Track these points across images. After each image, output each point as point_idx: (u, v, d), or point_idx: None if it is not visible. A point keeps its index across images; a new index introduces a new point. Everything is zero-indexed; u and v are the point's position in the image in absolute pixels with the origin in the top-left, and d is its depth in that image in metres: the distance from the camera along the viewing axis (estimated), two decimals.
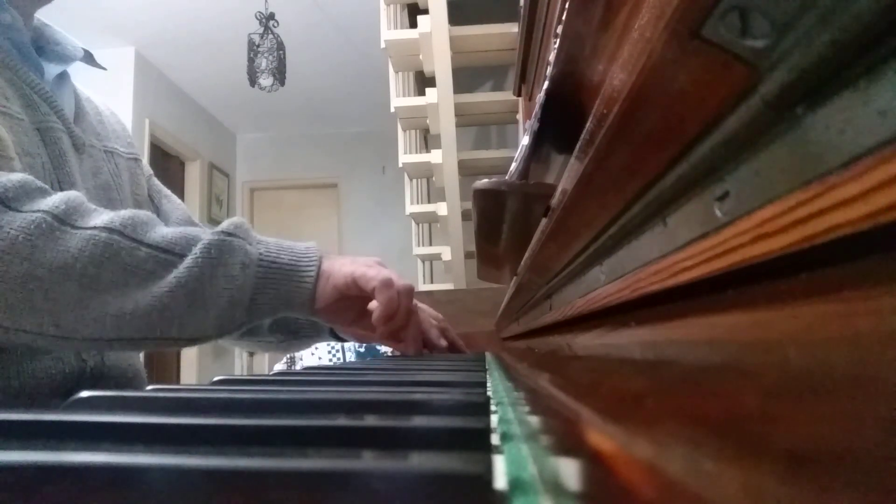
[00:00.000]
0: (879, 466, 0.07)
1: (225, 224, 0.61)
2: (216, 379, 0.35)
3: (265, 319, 0.63)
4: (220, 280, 0.57)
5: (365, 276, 0.65)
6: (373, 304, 0.69)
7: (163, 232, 0.58)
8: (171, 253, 0.57)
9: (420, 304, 0.80)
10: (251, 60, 3.03)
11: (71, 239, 0.53)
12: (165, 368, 4.12)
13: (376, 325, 0.68)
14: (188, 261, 0.57)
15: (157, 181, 0.89)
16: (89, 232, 0.54)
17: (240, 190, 5.17)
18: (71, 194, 0.56)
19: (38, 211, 0.53)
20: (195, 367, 4.21)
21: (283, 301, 0.62)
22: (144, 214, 0.59)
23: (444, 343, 0.80)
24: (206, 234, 0.59)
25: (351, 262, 0.67)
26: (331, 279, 0.64)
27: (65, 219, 0.54)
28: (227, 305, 0.58)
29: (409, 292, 0.70)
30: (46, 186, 0.57)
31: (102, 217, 0.56)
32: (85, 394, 0.26)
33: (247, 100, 4.29)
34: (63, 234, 0.53)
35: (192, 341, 0.59)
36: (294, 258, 0.63)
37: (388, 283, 0.66)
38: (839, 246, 0.10)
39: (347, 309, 0.69)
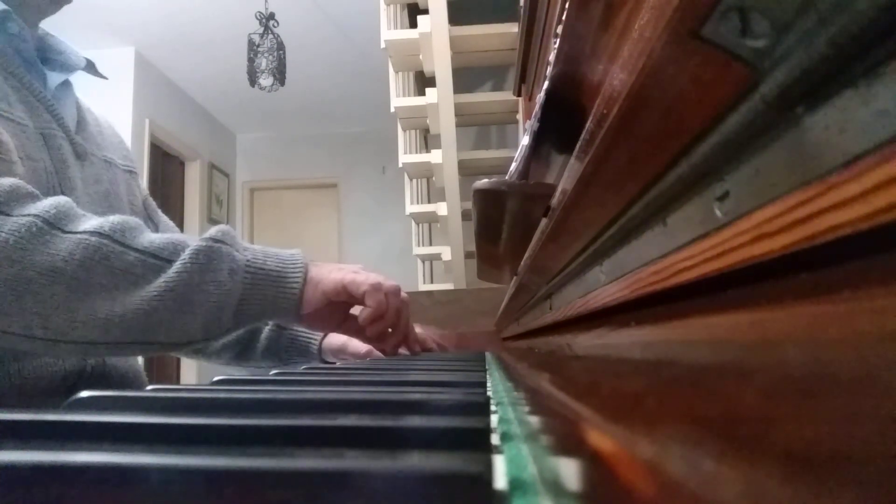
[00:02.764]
0: (879, 466, 0.07)
1: (212, 231, 0.62)
2: (216, 379, 0.35)
3: (251, 325, 0.65)
4: (208, 285, 0.58)
5: (354, 282, 0.67)
6: (356, 309, 0.71)
7: (151, 237, 0.59)
8: (159, 258, 0.57)
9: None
10: (251, 60, 3.03)
11: (61, 242, 0.54)
12: (165, 368, 4.12)
13: (364, 325, 0.70)
14: (177, 265, 0.57)
15: (152, 202, 0.91)
16: (79, 236, 0.55)
17: (240, 190, 5.17)
18: (61, 199, 0.57)
19: (29, 215, 0.53)
20: (195, 367, 4.21)
21: (270, 306, 0.63)
22: (133, 220, 0.60)
23: (418, 348, 0.83)
24: (193, 241, 0.60)
25: (338, 268, 0.69)
26: (319, 285, 0.66)
27: (55, 223, 0.54)
28: (214, 310, 0.59)
29: (397, 292, 0.72)
30: (37, 192, 0.57)
31: (92, 222, 0.56)
32: (85, 394, 0.26)
33: (247, 100, 4.30)
34: (53, 237, 0.54)
35: (178, 346, 0.59)
36: (280, 264, 0.64)
37: (377, 287, 0.69)
38: (839, 246, 0.10)
39: (332, 314, 0.71)
